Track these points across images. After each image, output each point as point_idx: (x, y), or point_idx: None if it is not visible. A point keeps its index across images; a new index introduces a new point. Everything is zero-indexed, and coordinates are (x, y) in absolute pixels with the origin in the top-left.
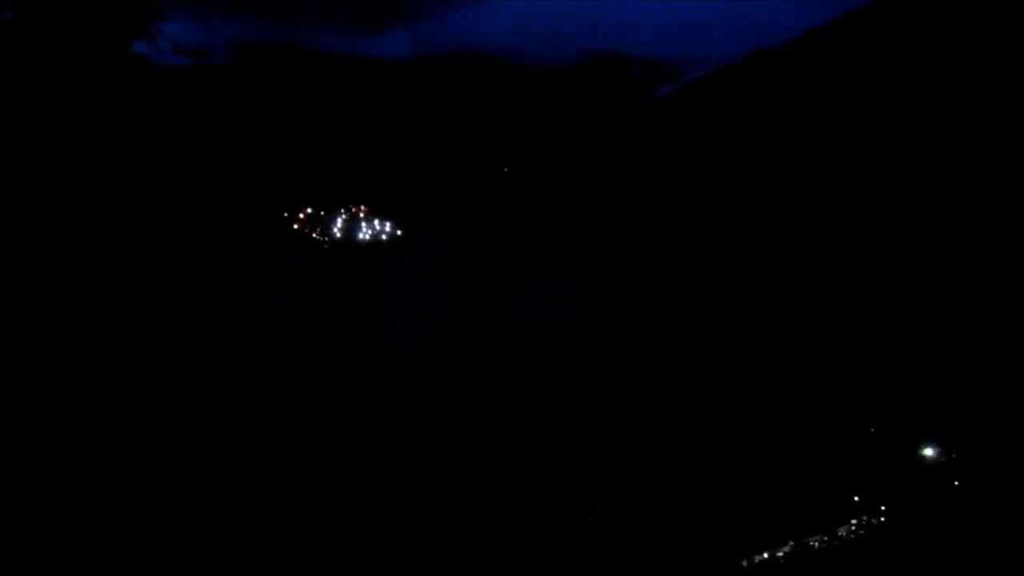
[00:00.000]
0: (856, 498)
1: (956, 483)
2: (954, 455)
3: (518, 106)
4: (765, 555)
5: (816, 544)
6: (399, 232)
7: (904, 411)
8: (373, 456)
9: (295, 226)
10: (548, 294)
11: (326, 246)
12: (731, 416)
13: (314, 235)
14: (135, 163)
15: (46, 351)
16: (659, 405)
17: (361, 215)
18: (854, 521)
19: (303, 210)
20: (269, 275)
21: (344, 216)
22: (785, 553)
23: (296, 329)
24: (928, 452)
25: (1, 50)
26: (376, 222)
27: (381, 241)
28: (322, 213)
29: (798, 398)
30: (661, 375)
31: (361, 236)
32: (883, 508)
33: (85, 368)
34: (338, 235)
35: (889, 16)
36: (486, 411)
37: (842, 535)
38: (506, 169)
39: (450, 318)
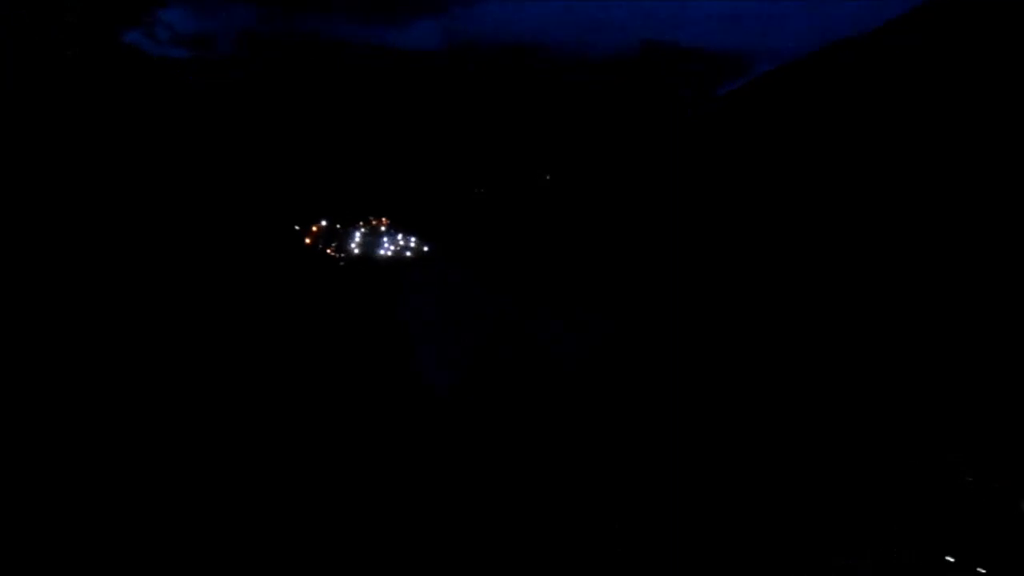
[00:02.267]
0: (951, 559)
1: None
2: None
3: (557, 106)
4: None
5: None
6: (424, 249)
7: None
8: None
9: (307, 240)
10: (577, 330)
11: (342, 263)
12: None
13: (329, 251)
14: (128, 163)
15: (47, 351)
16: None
17: (382, 228)
18: None
19: (317, 223)
20: (278, 298)
21: (363, 230)
22: None
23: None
24: None
25: None
26: (399, 237)
27: (404, 259)
28: (338, 226)
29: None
30: (694, 402)
31: (382, 252)
32: (983, 571)
33: (88, 368)
34: (355, 251)
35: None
36: (528, 447)
37: None
38: (548, 177)
39: (485, 358)
